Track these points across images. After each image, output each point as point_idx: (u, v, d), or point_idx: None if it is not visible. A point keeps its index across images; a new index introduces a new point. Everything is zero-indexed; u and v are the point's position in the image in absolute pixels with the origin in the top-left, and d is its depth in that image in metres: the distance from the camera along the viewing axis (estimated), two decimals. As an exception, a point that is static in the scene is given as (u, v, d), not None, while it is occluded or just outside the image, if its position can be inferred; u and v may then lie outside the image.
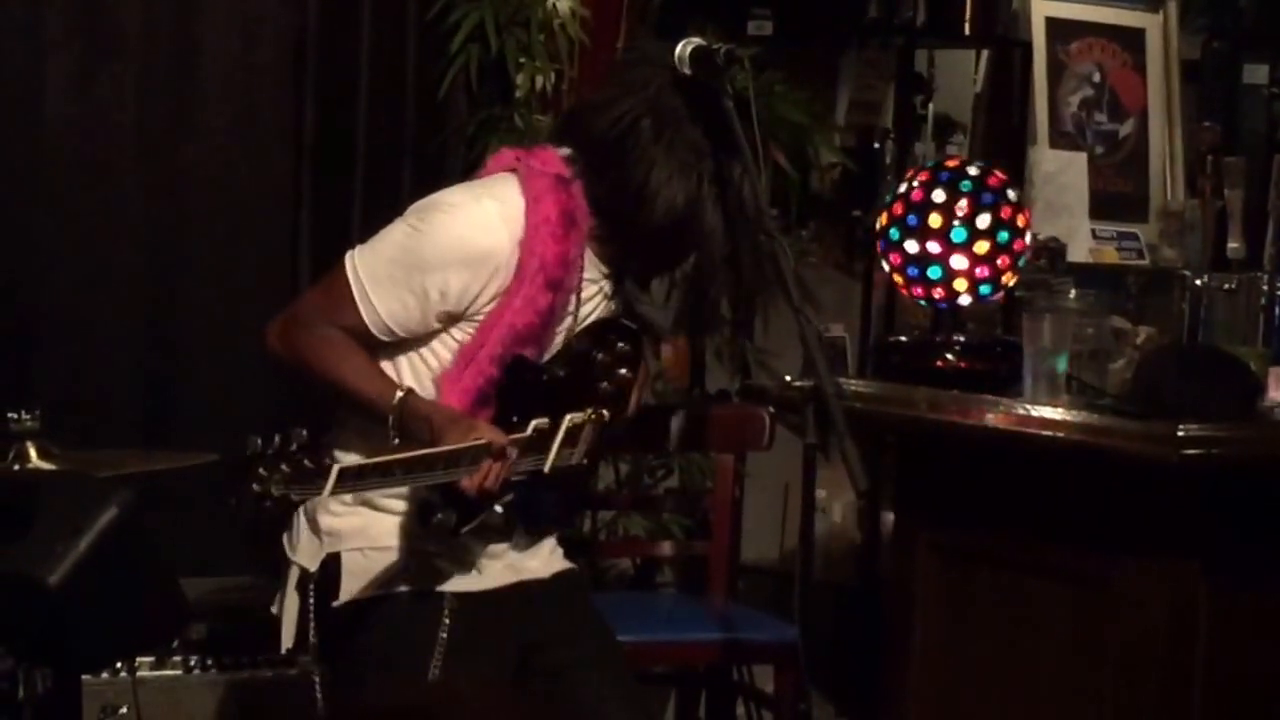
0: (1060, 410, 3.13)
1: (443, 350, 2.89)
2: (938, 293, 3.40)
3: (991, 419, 3.22)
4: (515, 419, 2.81)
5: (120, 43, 3.97)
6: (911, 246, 3.38)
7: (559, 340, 2.92)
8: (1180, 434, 2.95)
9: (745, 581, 4.28)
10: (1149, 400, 3.08)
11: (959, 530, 3.34)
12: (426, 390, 2.87)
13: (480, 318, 2.84)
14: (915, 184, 3.42)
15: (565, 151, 2.89)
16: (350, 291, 2.83)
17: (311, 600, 2.90)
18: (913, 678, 3.38)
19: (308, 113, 4.15)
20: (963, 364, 3.44)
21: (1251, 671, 3.13)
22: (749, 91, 2.96)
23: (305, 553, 2.93)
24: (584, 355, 2.95)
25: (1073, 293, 3.45)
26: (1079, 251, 3.92)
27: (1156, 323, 3.60)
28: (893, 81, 4.79)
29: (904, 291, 3.51)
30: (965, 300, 3.38)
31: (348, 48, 4.17)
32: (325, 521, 2.91)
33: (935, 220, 3.36)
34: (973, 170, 3.41)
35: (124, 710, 3.37)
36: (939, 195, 3.37)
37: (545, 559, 3.03)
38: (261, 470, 2.53)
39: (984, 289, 3.38)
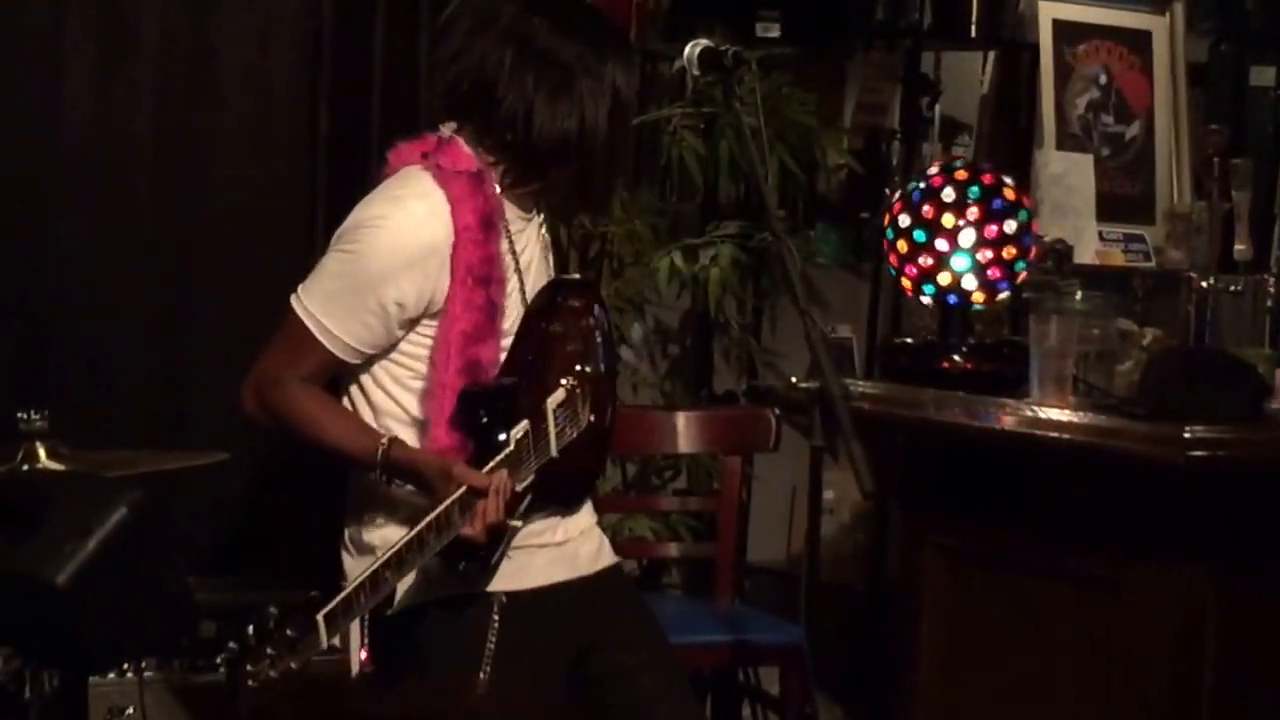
0: (1067, 412, 3.13)
1: (412, 350, 2.87)
2: (947, 294, 3.40)
3: (998, 420, 3.22)
4: (502, 437, 2.80)
5: (136, 46, 3.98)
6: (920, 244, 3.38)
7: (514, 309, 2.91)
8: (1187, 436, 2.95)
9: (751, 583, 4.28)
10: (1156, 402, 3.07)
11: (966, 532, 3.33)
12: (407, 398, 2.87)
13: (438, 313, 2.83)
14: (923, 184, 3.43)
15: (451, 127, 2.88)
16: (309, 332, 2.84)
17: (368, 618, 2.88)
18: (920, 680, 3.38)
19: (322, 113, 4.15)
20: (969, 365, 3.44)
21: (1260, 673, 3.12)
22: (757, 93, 2.97)
23: (359, 573, 2.93)
24: (538, 334, 2.93)
25: (1079, 294, 3.45)
26: (1085, 253, 3.92)
27: (1163, 325, 3.60)
28: (899, 83, 4.79)
29: (909, 292, 3.52)
30: (978, 297, 3.38)
31: (362, 49, 4.18)
32: (373, 536, 2.91)
33: (947, 220, 3.36)
34: (979, 172, 3.42)
35: (130, 711, 3.37)
36: (948, 194, 3.38)
37: (594, 553, 3.01)
38: (250, 667, 2.53)
39: (991, 289, 3.38)
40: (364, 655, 2.88)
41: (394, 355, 2.88)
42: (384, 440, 2.79)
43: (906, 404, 3.37)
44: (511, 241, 2.90)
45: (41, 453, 3.11)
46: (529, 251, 2.94)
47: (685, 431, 3.99)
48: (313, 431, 2.85)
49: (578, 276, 3.04)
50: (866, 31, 4.74)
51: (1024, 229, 3.39)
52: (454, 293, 2.83)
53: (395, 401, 2.89)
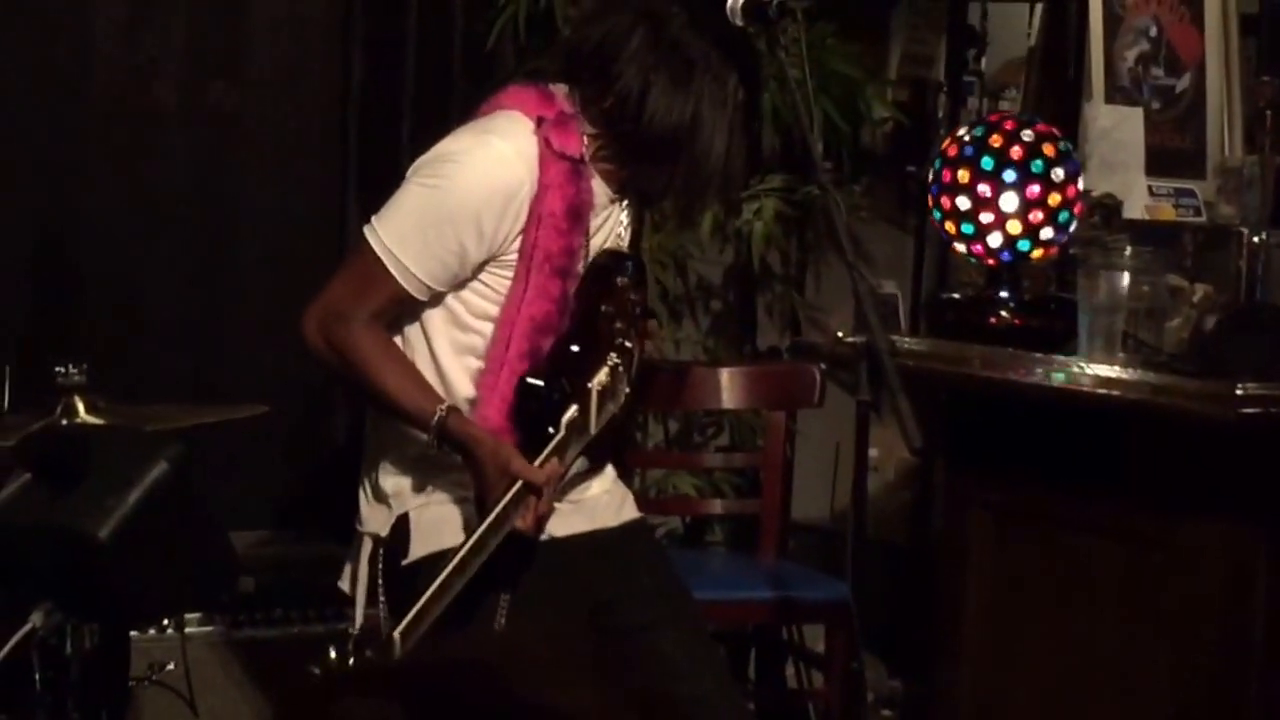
0: (1116, 368, 3.09)
1: (473, 295, 2.83)
2: (988, 241, 3.36)
3: (1046, 377, 3.18)
4: (550, 429, 2.77)
5: (166, -2, 3.97)
6: (963, 201, 3.35)
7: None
8: (1238, 392, 2.91)
9: (795, 540, 4.25)
10: (1207, 358, 3.04)
11: (1012, 489, 3.30)
12: (461, 339, 2.84)
13: (512, 258, 2.79)
14: (968, 136, 3.39)
15: (562, 89, 2.84)
16: (381, 265, 2.77)
17: (382, 566, 2.87)
18: (965, 638, 3.35)
19: (355, 63, 4.13)
20: (1017, 321, 3.41)
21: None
22: (802, 44, 2.94)
23: (375, 521, 2.90)
24: (592, 316, 2.90)
25: (1128, 250, 3.40)
26: (1135, 208, 3.86)
27: (1214, 280, 3.54)
28: (945, 35, 4.74)
29: (954, 247, 3.48)
30: (1023, 245, 3.33)
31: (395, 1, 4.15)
32: (388, 483, 2.89)
33: (993, 172, 3.32)
34: (1025, 125, 3.38)
35: (171, 666, 3.37)
36: (994, 144, 3.34)
37: (617, 507, 3.00)
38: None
39: (1034, 239, 3.34)
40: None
41: (457, 297, 2.83)
42: (442, 407, 2.74)
43: (953, 360, 3.33)
44: (588, 229, 2.86)
45: (80, 407, 3.11)
46: (600, 235, 2.91)
47: (729, 387, 3.96)
48: (372, 377, 2.79)
49: (629, 254, 3.01)
50: (912, -18, 4.69)
51: (1070, 179, 3.35)
52: (525, 272, 2.80)
53: (448, 345, 2.85)
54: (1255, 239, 3.44)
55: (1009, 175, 3.31)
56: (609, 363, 2.89)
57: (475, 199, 2.77)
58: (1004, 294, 3.42)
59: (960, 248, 3.43)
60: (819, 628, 3.88)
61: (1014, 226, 3.33)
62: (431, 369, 2.85)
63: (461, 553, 2.63)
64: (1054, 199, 3.33)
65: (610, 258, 2.94)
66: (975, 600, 3.34)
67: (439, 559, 2.80)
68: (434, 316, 2.86)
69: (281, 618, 3.55)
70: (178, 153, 4.01)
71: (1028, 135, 3.34)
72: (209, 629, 3.51)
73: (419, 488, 2.87)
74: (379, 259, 2.78)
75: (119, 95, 3.94)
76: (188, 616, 3.44)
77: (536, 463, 2.71)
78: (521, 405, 2.80)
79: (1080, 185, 3.39)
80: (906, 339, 3.47)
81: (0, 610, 3.31)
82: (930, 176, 3.44)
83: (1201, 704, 3.05)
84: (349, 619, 2.94)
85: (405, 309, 2.84)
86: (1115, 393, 3.07)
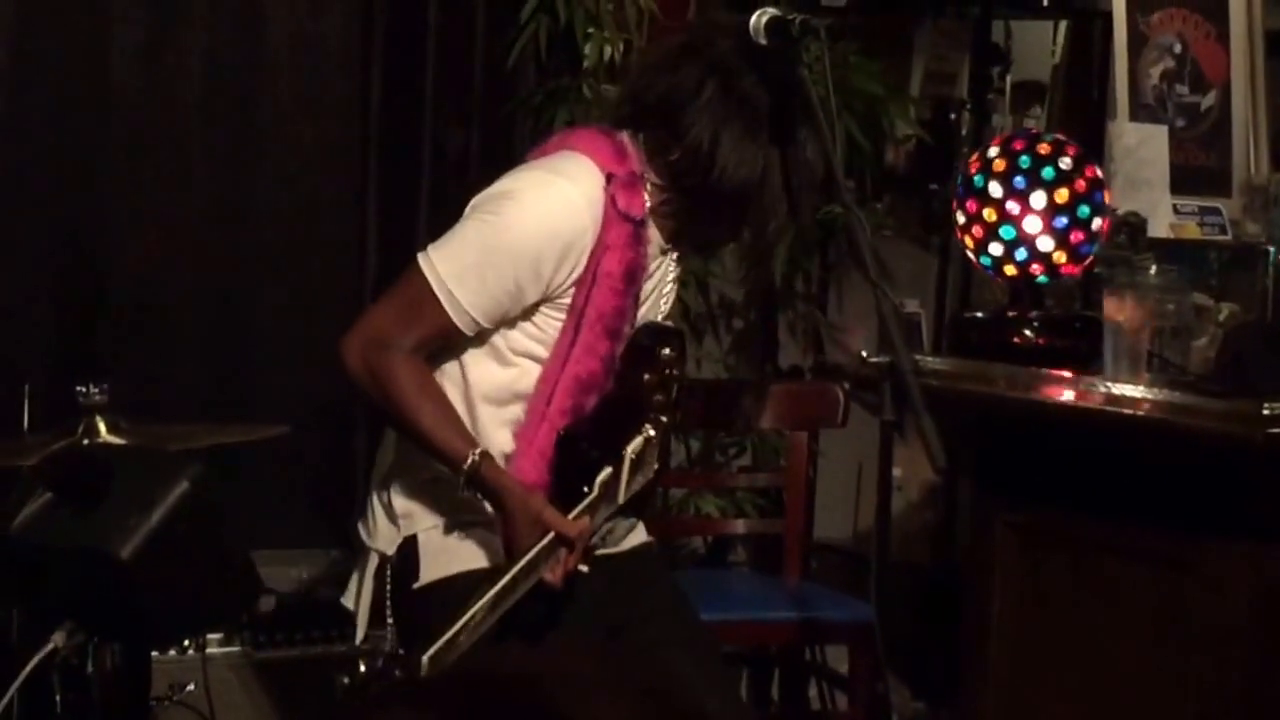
0: (1142, 388, 3.07)
1: (519, 339, 2.82)
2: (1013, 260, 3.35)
3: (1071, 397, 3.17)
4: (585, 489, 2.75)
5: (186, 13, 3.96)
6: (990, 216, 3.33)
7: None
8: (1265, 412, 2.89)
9: (818, 561, 4.23)
10: (1233, 378, 3.01)
11: (1038, 510, 3.28)
12: (500, 376, 2.82)
13: (565, 301, 2.78)
14: (992, 155, 3.37)
15: (630, 140, 2.81)
16: (433, 296, 2.73)
17: (390, 586, 2.86)
18: (990, 660, 3.33)
19: (374, 82, 4.13)
20: (1041, 340, 3.39)
21: (1339, 656, 3.06)
22: (825, 62, 2.93)
23: (383, 538, 2.88)
24: (633, 381, 2.88)
25: (1153, 269, 3.38)
26: (1160, 227, 3.84)
27: (1239, 299, 3.53)
28: (968, 52, 4.73)
29: (978, 266, 3.46)
30: (1057, 259, 3.32)
31: (415, 17, 4.15)
32: (399, 503, 2.87)
33: (1017, 192, 3.31)
34: (1050, 143, 3.36)
35: (191, 686, 3.36)
36: (1018, 166, 3.33)
37: (625, 530, 2.98)
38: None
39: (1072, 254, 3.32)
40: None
41: (501, 331, 2.81)
42: (476, 452, 2.72)
43: (977, 379, 3.31)
44: (640, 288, 2.86)
45: (102, 427, 3.10)
46: (652, 281, 2.91)
47: (751, 407, 3.94)
48: (410, 412, 2.75)
49: (672, 327, 3.02)
50: (935, 0, 4.67)
51: (1095, 199, 3.34)
52: (578, 329, 2.78)
53: (485, 377, 2.83)
54: (1281, 257, 3.42)
55: (1037, 208, 3.30)
56: (644, 433, 2.87)
57: (537, 240, 2.73)
58: (1028, 313, 3.41)
59: (986, 261, 3.41)
60: (842, 649, 3.86)
61: (1040, 252, 3.32)
62: (463, 401, 2.83)
63: (496, 589, 2.59)
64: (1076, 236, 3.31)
65: (658, 330, 2.94)
66: (1000, 621, 3.32)
67: (449, 584, 2.81)
68: (474, 347, 2.83)
69: (302, 638, 3.54)
70: (198, 173, 4.01)
71: (1066, 163, 3.32)
72: (230, 649, 3.50)
73: (431, 511, 2.86)
74: (432, 290, 2.74)
75: (139, 116, 3.94)
76: (209, 636, 3.44)
77: (570, 517, 2.69)
78: (560, 459, 2.78)
79: (1104, 216, 3.38)
80: (930, 358, 3.45)
81: (22, 630, 3.31)
82: (954, 194, 3.42)
83: (1229, 726, 3.03)
84: (351, 634, 2.92)
85: (449, 342, 2.81)
86: (1140, 412, 3.04)
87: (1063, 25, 4.67)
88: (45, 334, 3.85)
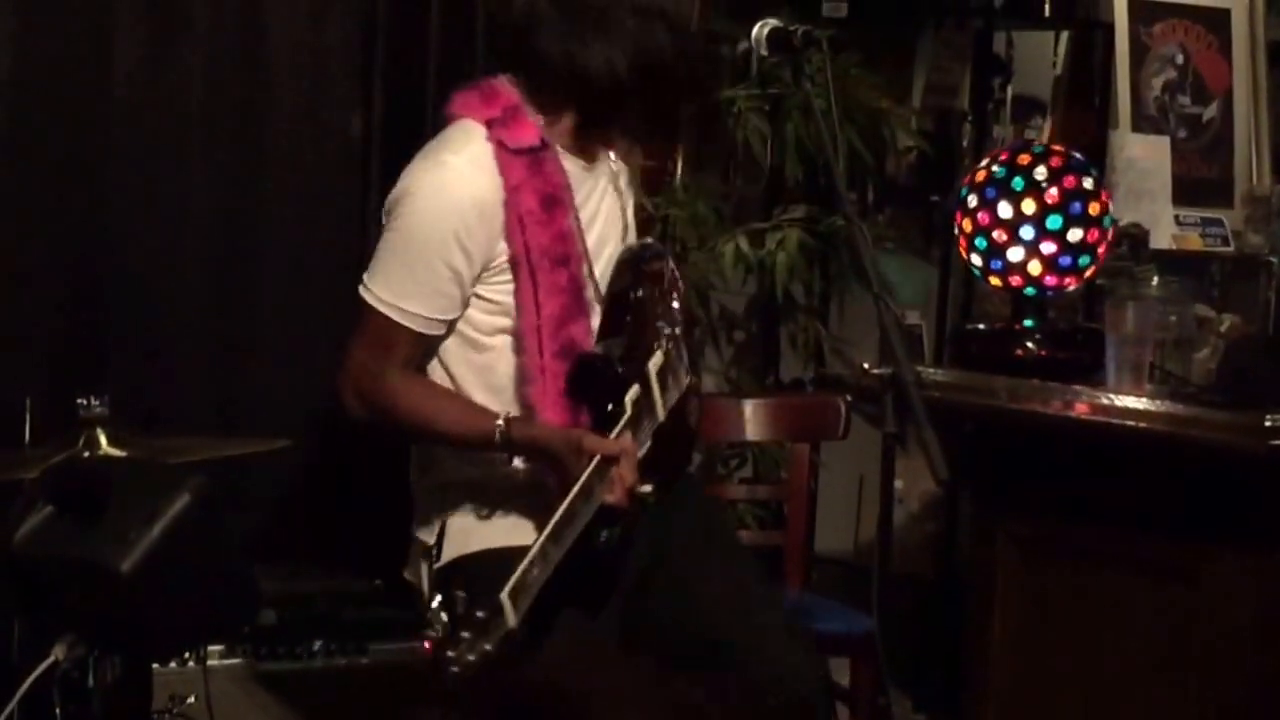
0: (1144, 400, 3.07)
1: (479, 312, 2.85)
2: (1014, 280, 3.35)
3: (1073, 409, 3.17)
4: (610, 406, 2.77)
5: (187, 24, 3.95)
6: (991, 227, 3.33)
7: (595, 270, 2.89)
8: (1268, 424, 2.90)
9: (819, 573, 4.22)
10: (1235, 390, 3.01)
11: (1039, 522, 3.28)
12: (482, 360, 2.85)
13: (503, 260, 2.81)
14: (994, 166, 3.38)
15: (507, 80, 2.85)
16: (386, 319, 2.80)
17: (427, 569, 2.95)
18: (992, 673, 3.33)
19: (376, 94, 4.12)
20: (1043, 352, 3.39)
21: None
22: (826, 73, 2.93)
23: (422, 527, 2.96)
24: (625, 300, 2.90)
25: (1155, 280, 3.39)
26: (1162, 238, 3.85)
27: (1241, 311, 3.53)
28: (970, 63, 4.73)
29: (981, 277, 3.46)
30: (1051, 280, 3.32)
31: (416, 29, 4.14)
32: (431, 493, 2.95)
33: (1019, 203, 3.31)
34: (1051, 155, 3.36)
35: (192, 699, 3.35)
36: (1020, 177, 3.32)
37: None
38: (449, 653, 2.50)
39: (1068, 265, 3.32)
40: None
41: (464, 319, 2.85)
42: (500, 421, 2.76)
43: (978, 391, 3.32)
44: (574, 210, 2.86)
45: (102, 439, 3.09)
46: (592, 204, 2.92)
47: (753, 419, 3.94)
48: (424, 422, 2.82)
49: (649, 241, 3.05)
50: (936, 10, 4.67)
51: (1099, 212, 3.33)
52: (532, 274, 2.80)
53: (468, 370, 2.87)
54: (1284, 269, 3.42)
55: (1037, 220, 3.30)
56: (661, 347, 2.90)
57: (446, 221, 2.78)
58: (1030, 325, 3.41)
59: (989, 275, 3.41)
60: (843, 661, 3.84)
61: (1041, 266, 3.32)
62: (448, 381, 2.88)
63: (554, 521, 2.61)
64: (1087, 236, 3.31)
65: (633, 249, 2.96)
66: (1001, 633, 3.32)
67: (478, 559, 2.86)
68: (448, 345, 2.87)
69: (304, 651, 3.54)
70: (199, 184, 4.00)
71: (1041, 173, 3.32)
72: (231, 661, 3.49)
73: (455, 500, 2.92)
74: (384, 315, 2.81)
75: (140, 127, 3.93)
76: (210, 649, 3.42)
77: (611, 437, 2.72)
78: (584, 390, 2.80)
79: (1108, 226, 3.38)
80: (931, 370, 3.45)
81: (22, 643, 3.31)
82: (956, 206, 3.42)
83: (1232, 739, 3.02)
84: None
85: (430, 347, 2.85)
86: (1143, 424, 3.05)
87: (1064, 36, 4.67)
88: (46, 346, 3.84)
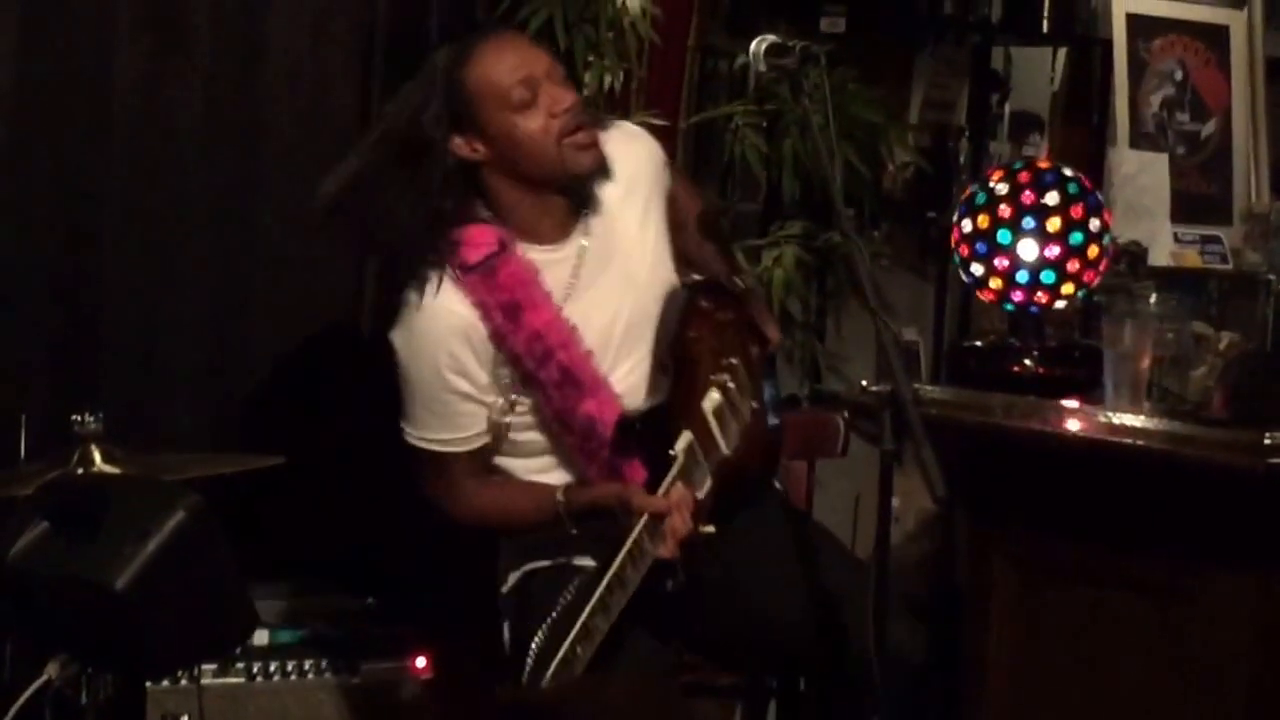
0: (1142, 418, 3.07)
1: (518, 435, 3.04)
2: (1016, 296, 3.34)
3: (1071, 426, 3.16)
4: (670, 451, 2.87)
5: (188, 38, 3.95)
6: (989, 244, 3.33)
7: (590, 321, 2.99)
8: (1267, 442, 2.89)
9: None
10: (1234, 407, 3.00)
11: (1037, 541, 3.27)
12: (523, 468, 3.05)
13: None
14: (992, 183, 3.37)
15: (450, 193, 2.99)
16: (435, 453, 3.01)
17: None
18: (988, 691, 3.32)
19: (376, 111, 4.11)
20: (1041, 369, 3.39)
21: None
22: (824, 89, 2.93)
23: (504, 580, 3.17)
24: (677, 344, 2.99)
25: (1154, 297, 3.38)
26: (1160, 255, 3.85)
27: (1240, 329, 3.52)
28: (968, 79, 4.73)
29: (977, 294, 3.45)
30: (1058, 300, 3.31)
31: (416, 44, 4.13)
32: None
33: (1016, 220, 3.30)
34: (1050, 171, 3.36)
35: (185, 718, 3.34)
36: (1018, 194, 3.32)
37: None
38: None
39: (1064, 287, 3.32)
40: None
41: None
42: (560, 495, 2.94)
43: (975, 409, 3.31)
44: (546, 296, 2.98)
45: (97, 456, 3.09)
46: (573, 278, 3.01)
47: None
48: (504, 520, 3.06)
49: (697, 278, 3.13)
50: (934, 26, 4.67)
51: (1097, 229, 3.33)
52: (530, 377, 2.96)
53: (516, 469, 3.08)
54: (1282, 286, 3.42)
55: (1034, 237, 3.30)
56: (715, 382, 2.96)
57: (429, 360, 2.96)
58: (1027, 342, 3.40)
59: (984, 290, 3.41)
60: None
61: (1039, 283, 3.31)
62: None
63: (600, 591, 2.75)
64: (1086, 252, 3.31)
65: (690, 287, 3.07)
66: (998, 652, 3.31)
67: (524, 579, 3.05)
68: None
69: (296, 670, 3.53)
70: (196, 202, 3.99)
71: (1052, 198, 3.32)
72: (225, 680, 3.48)
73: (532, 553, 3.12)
74: (421, 449, 3.02)
75: (137, 145, 3.92)
76: (203, 668, 3.42)
77: (660, 492, 2.82)
78: (628, 447, 2.93)
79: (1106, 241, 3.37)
80: (928, 387, 3.44)
81: (15, 660, 3.30)
82: (954, 222, 3.42)
83: (1230, 759, 3.01)
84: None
85: (484, 456, 3.05)
86: (1140, 442, 3.04)
87: (1062, 52, 4.67)
88: (42, 363, 3.83)
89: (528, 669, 2.72)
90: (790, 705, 4.14)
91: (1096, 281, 3.35)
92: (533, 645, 2.75)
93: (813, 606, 3.03)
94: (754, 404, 3.00)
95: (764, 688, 4.08)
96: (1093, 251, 3.31)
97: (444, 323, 2.93)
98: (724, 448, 2.93)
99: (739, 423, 2.97)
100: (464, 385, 2.95)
